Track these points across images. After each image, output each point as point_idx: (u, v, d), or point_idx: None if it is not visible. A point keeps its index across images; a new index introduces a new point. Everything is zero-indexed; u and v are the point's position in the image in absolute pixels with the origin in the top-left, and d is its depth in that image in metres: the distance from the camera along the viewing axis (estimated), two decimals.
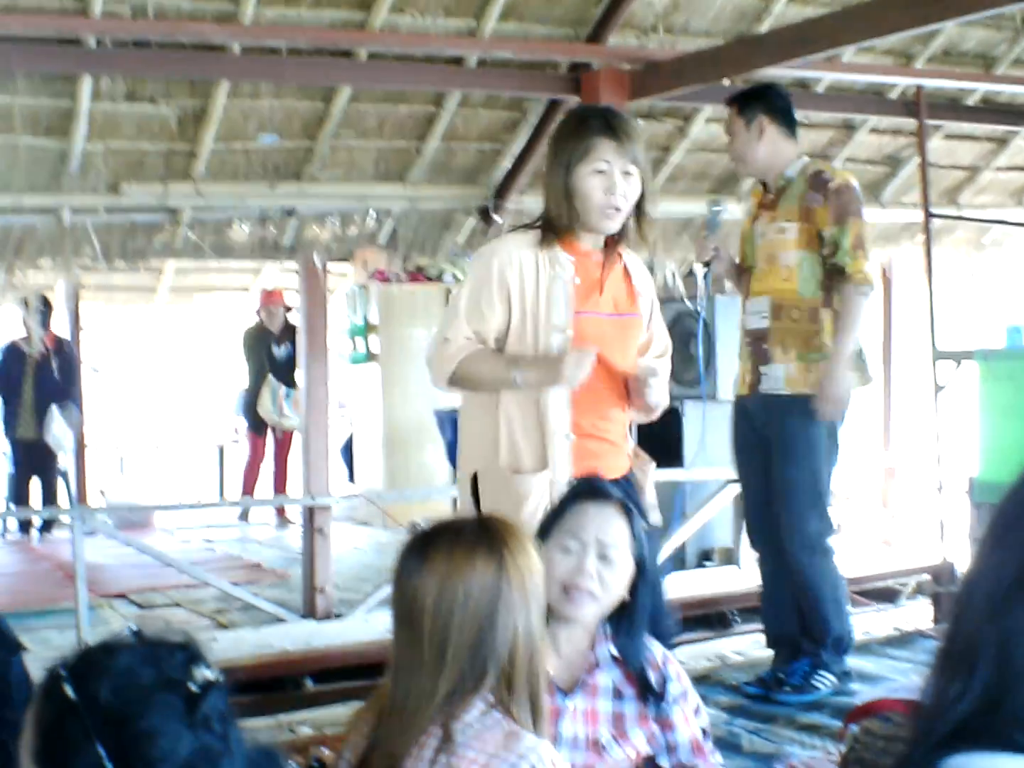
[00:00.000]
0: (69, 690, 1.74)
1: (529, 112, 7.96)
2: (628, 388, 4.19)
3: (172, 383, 17.78)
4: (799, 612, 5.74)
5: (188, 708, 1.75)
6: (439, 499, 11.42)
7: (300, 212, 7.81)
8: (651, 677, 3.44)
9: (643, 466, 4.35)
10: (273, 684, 6.93)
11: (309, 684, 7.11)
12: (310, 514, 8.38)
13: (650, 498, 4.37)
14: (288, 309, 11.64)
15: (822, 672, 5.66)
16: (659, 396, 4.14)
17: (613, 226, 4.06)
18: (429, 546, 2.58)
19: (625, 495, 3.81)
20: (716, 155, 8.70)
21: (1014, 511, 1.50)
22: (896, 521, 10.41)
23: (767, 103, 5.64)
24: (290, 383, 11.46)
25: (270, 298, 11.66)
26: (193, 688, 1.77)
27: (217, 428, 14.71)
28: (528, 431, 4.09)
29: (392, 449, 11.84)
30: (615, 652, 3.43)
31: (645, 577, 3.41)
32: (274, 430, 11.70)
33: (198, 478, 14.58)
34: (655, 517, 4.39)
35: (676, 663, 3.53)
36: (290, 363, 11.37)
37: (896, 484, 10.66)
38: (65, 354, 10.83)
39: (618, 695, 3.42)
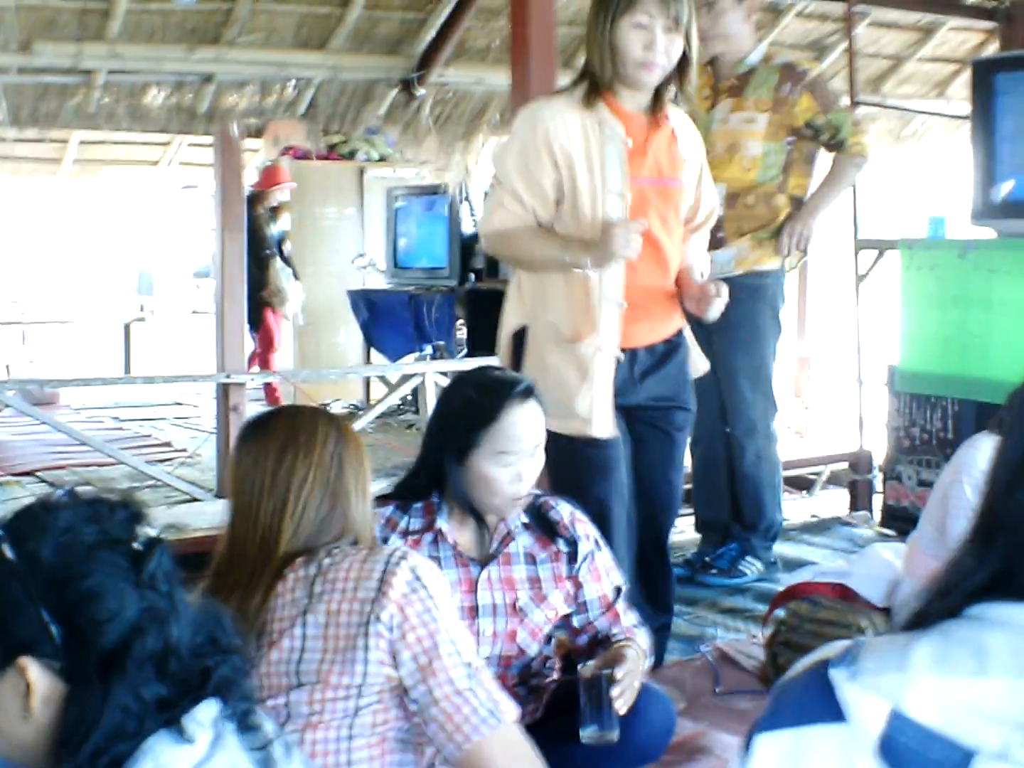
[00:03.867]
0: (8, 550, 1.70)
1: None
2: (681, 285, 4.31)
3: (77, 258, 17.49)
4: (731, 496, 5.77)
5: (134, 567, 1.72)
6: (353, 379, 11.39)
7: (218, 78, 7.58)
8: (560, 538, 3.48)
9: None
10: (186, 564, 6.84)
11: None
12: (224, 391, 8.28)
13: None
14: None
15: (750, 557, 5.71)
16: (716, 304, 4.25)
17: (651, 80, 4.06)
18: (271, 421, 2.78)
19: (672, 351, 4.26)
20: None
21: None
22: (810, 411, 10.45)
23: None
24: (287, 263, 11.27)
25: (273, 177, 11.25)
26: (137, 547, 1.74)
27: (123, 305, 14.54)
28: (579, 297, 4.08)
29: (304, 329, 11.73)
30: (525, 519, 3.47)
31: None
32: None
33: (104, 355, 14.40)
34: (704, 365, 4.58)
35: (586, 522, 3.57)
36: (280, 241, 11.19)
37: (810, 374, 10.68)
38: None
39: (531, 560, 3.48)
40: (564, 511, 3.53)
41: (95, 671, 1.67)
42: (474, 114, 8.43)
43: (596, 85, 4.08)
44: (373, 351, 11.45)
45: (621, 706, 3.15)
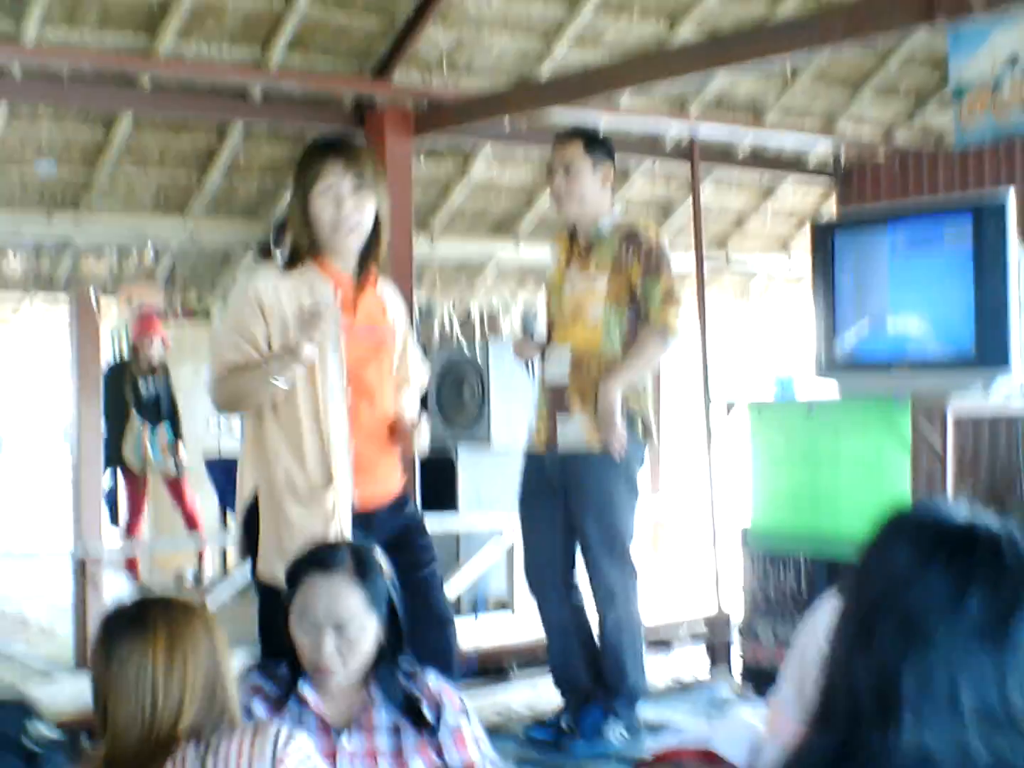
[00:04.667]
0: None
1: None
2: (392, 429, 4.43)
3: None
4: (590, 660, 5.77)
5: (27, 766, 1.72)
6: (207, 546, 11.24)
7: (77, 244, 7.59)
8: (425, 707, 3.48)
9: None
10: None
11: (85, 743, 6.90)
12: (81, 566, 8.16)
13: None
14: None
15: (612, 721, 5.69)
16: (423, 438, 4.44)
17: (349, 241, 4.28)
18: (148, 616, 2.83)
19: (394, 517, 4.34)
20: (496, 195, 8.74)
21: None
22: (666, 569, 10.53)
23: (609, 148, 5.74)
24: (155, 422, 10.89)
25: (149, 326, 11.02)
26: (31, 747, 1.74)
27: None
28: (309, 447, 4.17)
29: (160, 495, 11.57)
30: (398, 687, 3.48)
31: (397, 623, 3.50)
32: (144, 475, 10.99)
33: None
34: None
35: (452, 693, 3.56)
36: (157, 401, 10.88)
37: (665, 532, 10.80)
38: None
39: (396, 730, 3.46)
40: (431, 681, 3.54)
41: None
42: None
43: (297, 253, 4.28)
44: (229, 517, 11.34)
45: None
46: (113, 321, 11.17)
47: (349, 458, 4.20)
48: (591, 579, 5.70)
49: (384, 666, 3.47)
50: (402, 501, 4.51)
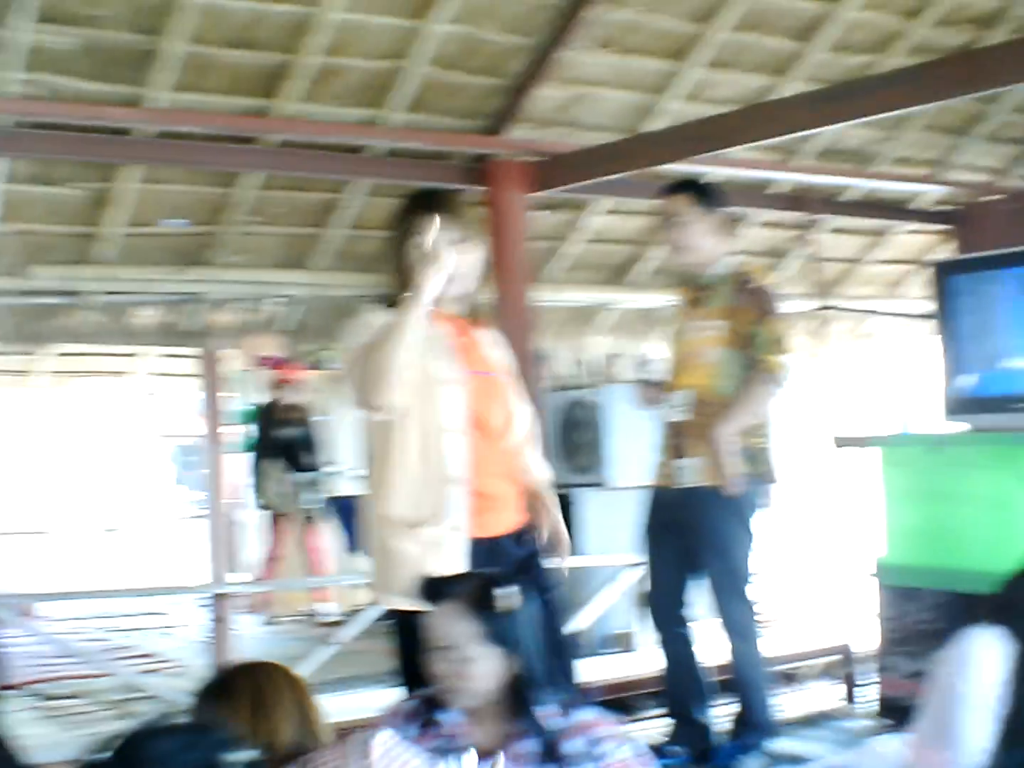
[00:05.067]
0: None
1: None
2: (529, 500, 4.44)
3: (51, 468, 17.58)
4: (703, 693, 5.85)
5: None
6: (332, 586, 11.44)
7: (204, 297, 7.88)
8: (570, 742, 3.53)
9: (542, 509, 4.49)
10: None
11: None
12: (217, 602, 8.34)
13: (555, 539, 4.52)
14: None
15: (751, 755, 5.76)
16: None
17: (448, 291, 4.26)
18: (233, 683, 2.99)
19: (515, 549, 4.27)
20: (611, 246, 8.92)
21: None
22: (797, 605, 10.56)
23: (719, 199, 5.84)
24: (289, 465, 11.21)
25: (282, 373, 11.24)
26: None
27: (95, 515, 14.62)
28: (419, 479, 4.23)
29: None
30: (545, 721, 3.54)
31: (518, 655, 3.55)
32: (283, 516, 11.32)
33: (78, 565, 14.42)
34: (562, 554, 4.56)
35: (606, 724, 3.61)
36: (292, 445, 11.18)
37: (788, 571, 10.83)
38: None
39: (542, 762, 3.52)
40: (582, 715, 3.61)
41: None
42: None
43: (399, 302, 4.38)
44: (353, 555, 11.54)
45: None
46: (237, 370, 11.48)
47: (463, 489, 4.27)
48: (719, 617, 5.80)
49: (521, 699, 3.61)
50: (524, 531, 4.46)
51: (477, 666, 3.50)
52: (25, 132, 6.64)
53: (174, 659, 9.44)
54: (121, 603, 11.89)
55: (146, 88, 6.72)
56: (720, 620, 5.65)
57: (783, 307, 5.69)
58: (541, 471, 4.58)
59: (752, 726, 5.77)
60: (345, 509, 11.17)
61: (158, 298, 7.82)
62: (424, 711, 3.61)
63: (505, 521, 4.35)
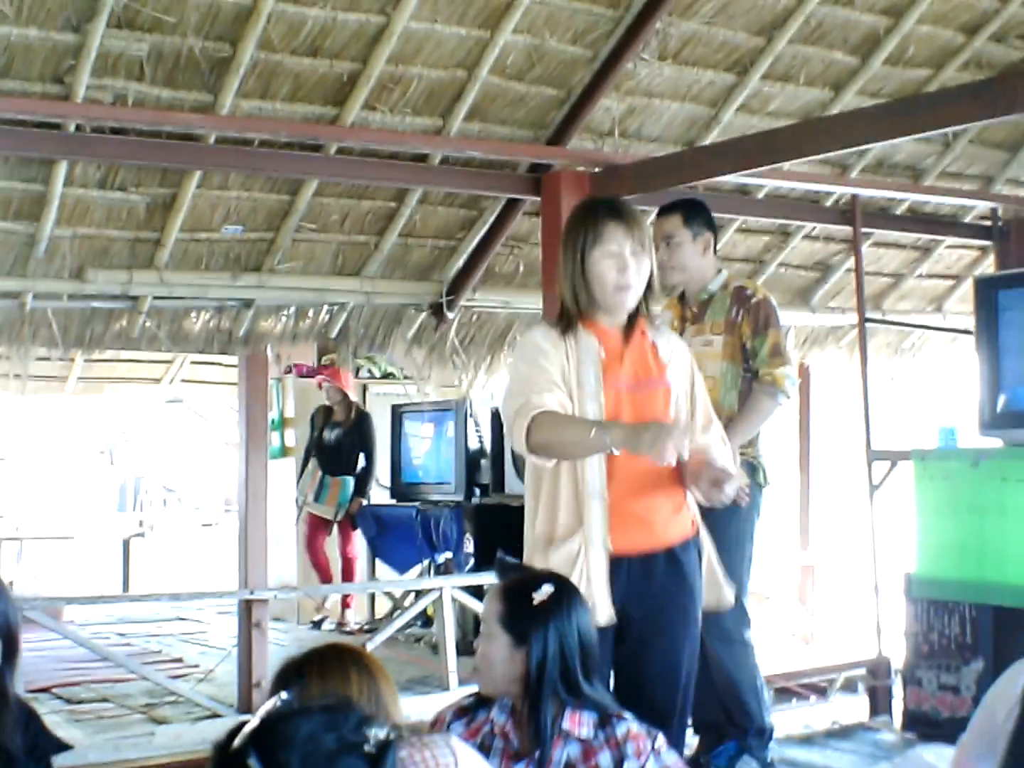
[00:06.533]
0: (255, 763, 1.77)
1: (486, 211, 8.10)
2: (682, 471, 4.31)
3: (78, 474, 17.58)
4: (721, 699, 5.86)
5: None
6: (357, 593, 11.45)
7: (257, 304, 7.86)
8: (604, 754, 3.55)
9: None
10: None
11: None
12: (247, 607, 8.33)
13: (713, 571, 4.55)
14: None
15: (747, 757, 5.78)
16: (727, 482, 4.21)
17: (628, 303, 4.25)
18: (303, 669, 2.92)
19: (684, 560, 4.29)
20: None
21: None
22: (814, 618, 10.59)
23: (708, 217, 5.90)
24: (330, 470, 11.30)
25: (331, 379, 11.41)
26: (370, 749, 1.82)
27: (121, 521, 14.63)
28: (563, 495, 4.20)
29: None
30: (584, 732, 3.57)
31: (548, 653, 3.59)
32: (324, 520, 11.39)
33: (102, 570, 14.42)
34: (727, 596, 4.61)
35: (642, 738, 3.61)
36: (338, 451, 11.27)
37: (814, 582, 10.85)
38: None
39: None
40: (622, 727, 3.62)
41: None
42: (498, 334, 8.72)
43: (571, 317, 4.32)
44: (378, 566, 11.58)
45: None
46: (278, 377, 11.51)
47: (603, 508, 4.24)
48: (707, 621, 5.79)
49: (556, 704, 3.57)
50: (682, 549, 4.39)
51: (495, 649, 3.60)
52: (95, 137, 6.61)
53: (202, 665, 9.45)
54: (150, 608, 11.92)
55: (214, 94, 6.69)
56: (715, 626, 5.64)
57: (780, 319, 5.74)
58: (718, 452, 4.44)
59: (750, 730, 5.81)
60: (363, 518, 11.22)
61: (211, 303, 7.76)
62: (475, 708, 3.68)
63: (653, 539, 4.30)
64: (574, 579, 4.02)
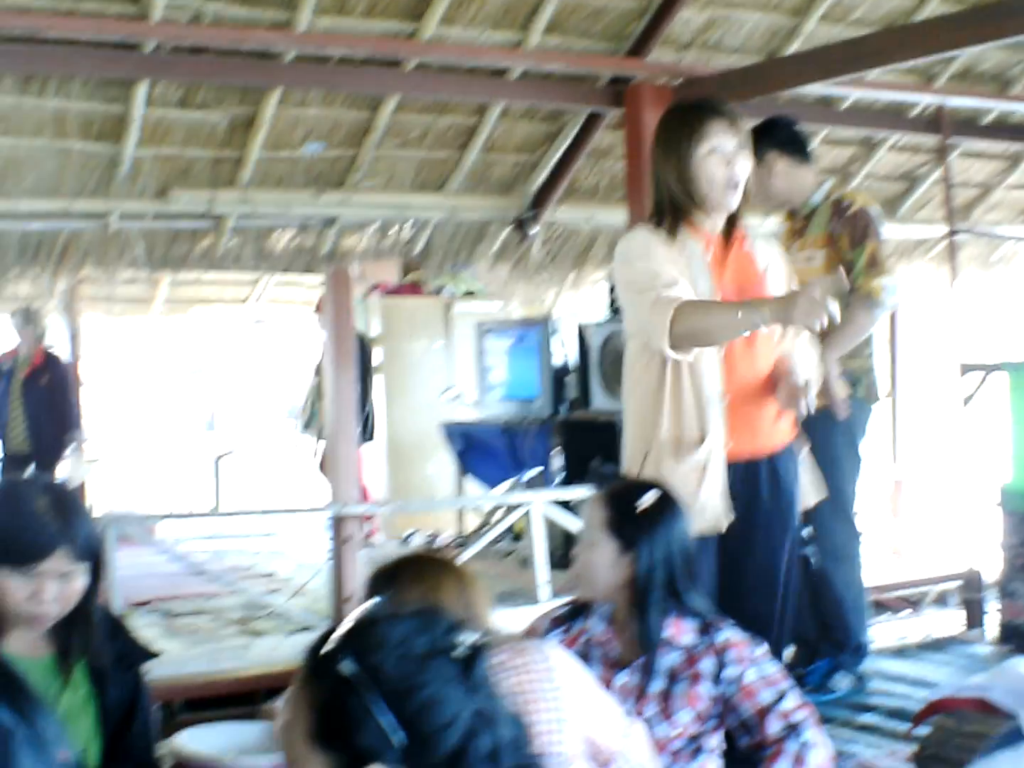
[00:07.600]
0: (350, 666, 1.77)
1: (567, 125, 8.07)
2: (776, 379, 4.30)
3: (166, 396, 17.77)
4: (818, 615, 5.85)
5: (462, 673, 1.80)
6: (445, 511, 11.52)
7: (340, 221, 7.89)
8: (705, 660, 3.55)
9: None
10: None
11: None
12: (338, 523, 8.40)
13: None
14: None
15: (840, 674, 5.78)
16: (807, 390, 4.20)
17: (734, 201, 4.15)
18: (397, 576, 2.93)
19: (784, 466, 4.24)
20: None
21: None
22: (907, 532, 10.52)
23: (773, 137, 5.77)
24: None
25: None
26: (462, 653, 1.81)
27: (210, 441, 14.76)
28: (687, 400, 4.17)
29: (396, 462, 11.86)
30: (688, 639, 3.56)
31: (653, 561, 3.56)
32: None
33: (195, 489, 14.58)
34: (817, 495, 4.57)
35: (742, 645, 3.59)
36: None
37: (905, 496, 10.78)
38: (56, 369, 10.60)
39: (671, 677, 3.53)
40: (721, 635, 3.62)
41: None
42: (582, 249, 8.71)
43: (676, 218, 4.26)
44: (464, 482, 11.62)
45: None
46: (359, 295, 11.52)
47: (722, 412, 4.23)
48: (818, 538, 5.77)
49: (648, 608, 3.53)
50: (781, 456, 4.35)
51: (600, 555, 3.55)
52: (173, 57, 6.64)
53: (295, 580, 9.55)
54: (242, 524, 12.05)
55: (292, 11, 6.69)
56: (824, 541, 5.63)
57: (880, 229, 5.65)
58: (802, 362, 4.39)
59: (847, 646, 5.80)
60: (453, 436, 11.25)
61: (294, 221, 7.80)
62: (571, 618, 3.68)
63: (762, 444, 4.31)
64: (702, 485, 4.05)
